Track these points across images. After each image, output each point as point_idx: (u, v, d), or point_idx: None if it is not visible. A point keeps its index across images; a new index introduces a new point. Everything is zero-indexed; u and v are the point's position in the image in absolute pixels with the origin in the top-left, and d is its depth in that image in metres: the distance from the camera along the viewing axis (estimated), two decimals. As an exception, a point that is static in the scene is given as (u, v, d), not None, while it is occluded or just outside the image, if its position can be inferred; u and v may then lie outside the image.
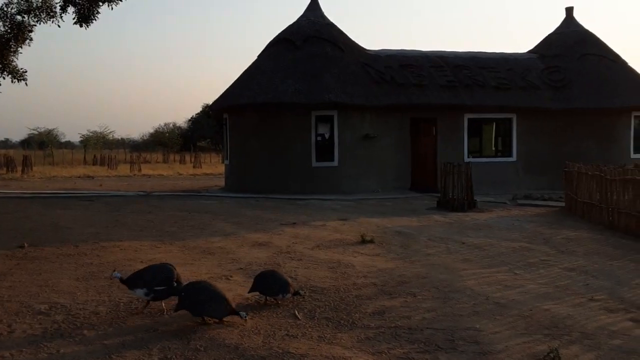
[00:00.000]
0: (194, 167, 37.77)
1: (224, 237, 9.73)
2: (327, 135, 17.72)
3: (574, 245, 9.19)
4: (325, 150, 17.58)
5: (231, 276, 6.89)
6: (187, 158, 45.77)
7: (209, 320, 5.15)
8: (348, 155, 17.57)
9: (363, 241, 9.16)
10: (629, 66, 20.36)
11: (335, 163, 17.56)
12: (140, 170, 32.87)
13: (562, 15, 21.72)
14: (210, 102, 24.02)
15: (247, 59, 53.31)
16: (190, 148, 51.21)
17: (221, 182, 21.20)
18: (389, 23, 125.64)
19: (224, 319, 5.15)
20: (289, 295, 5.73)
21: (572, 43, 20.44)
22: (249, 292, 5.86)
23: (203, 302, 5.06)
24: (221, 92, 19.21)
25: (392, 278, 6.87)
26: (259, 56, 19.41)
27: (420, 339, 4.83)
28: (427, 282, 6.70)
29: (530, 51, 21.44)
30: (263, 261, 7.76)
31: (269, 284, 5.76)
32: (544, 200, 15.65)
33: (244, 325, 5.10)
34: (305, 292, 6.05)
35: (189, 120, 65.87)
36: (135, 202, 15.46)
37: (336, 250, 8.59)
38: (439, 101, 18.12)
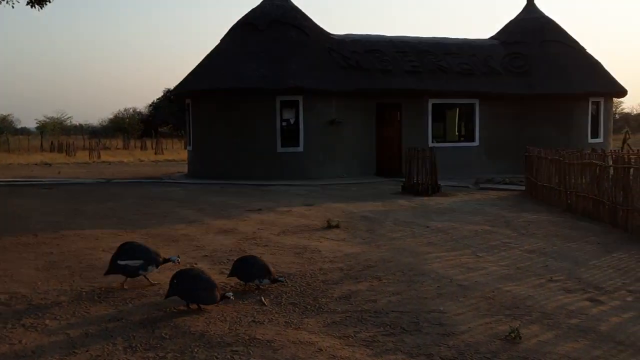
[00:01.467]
0: (155, 153, 37.12)
1: (188, 224, 9.61)
2: (292, 121, 17.63)
3: (534, 228, 9.43)
4: (290, 135, 17.50)
5: (196, 263, 6.82)
6: (149, 144, 44.85)
7: (194, 306, 5.14)
8: (314, 140, 17.53)
9: (329, 226, 9.18)
10: (587, 52, 20.88)
11: (301, 148, 17.51)
12: (99, 156, 32.12)
13: (523, 2, 22.05)
14: (172, 87, 23.54)
15: (210, 42, 52.43)
16: (152, 134, 50.20)
17: (184, 169, 20.90)
18: (353, 8, 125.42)
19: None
20: (267, 281, 5.69)
21: (532, 29, 20.79)
22: (227, 277, 5.89)
23: (197, 289, 5.08)
24: (183, 77, 18.88)
25: (358, 262, 6.92)
26: (221, 40, 19.10)
27: (386, 322, 4.88)
28: (393, 265, 6.77)
29: (492, 37, 21.73)
30: (228, 248, 7.70)
31: (245, 269, 5.73)
32: (506, 184, 15.99)
33: (209, 313, 5.06)
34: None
35: (150, 105, 64.48)
36: (95, 189, 15.11)
37: (302, 236, 8.59)
38: (403, 86, 18.22)
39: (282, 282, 5.87)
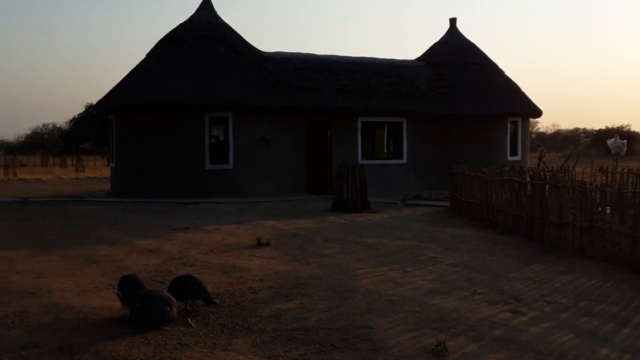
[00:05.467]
0: (76, 170, 35.51)
1: (110, 244, 9.20)
2: (221, 138, 17.40)
3: (459, 242, 9.73)
4: (219, 152, 17.24)
5: (116, 287, 6.50)
6: (69, 161, 42.83)
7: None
8: (243, 157, 17.36)
9: (259, 244, 9.06)
10: (505, 75, 22.00)
11: (230, 166, 17.28)
12: (15, 174, 30.29)
13: (447, 26, 23.01)
14: (95, 102, 22.63)
15: (135, 57, 50.89)
16: (72, 150, 48.00)
17: (107, 187, 20.08)
18: (282, 26, 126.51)
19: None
20: (200, 302, 5.53)
21: (455, 52, 21.71)
22: None
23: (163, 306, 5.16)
24: (106, 92, 18.24)
25: (288, 280, 6.85)
26: (148, 55, 18.62)
27: (316, 340, 4.84)
28: (323, 282, 6.75)
29: (418, 58, 22.48)
30: (153, 268, 7.42)
31: (178, 288, 5.56)
32: (432, 200, 16.46)
33: (132, 336, 4.82)
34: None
35: (71, 121, 61.80)
36: (10, 208, 14.20)
37: (231, 254, 8.43)
38: (333, 105, 18.45)
39: (217, 304, 5.73)
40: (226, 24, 19.16)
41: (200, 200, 15.74)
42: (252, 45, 19.15)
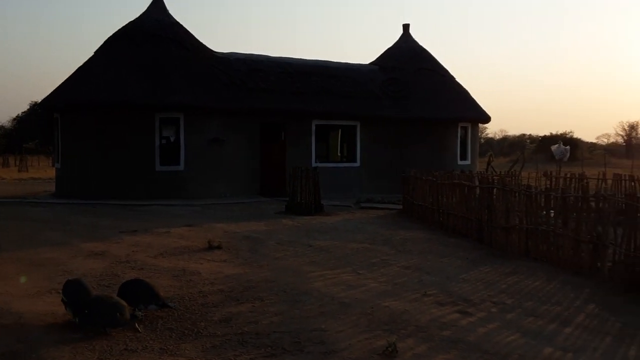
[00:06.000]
0: (19, 171, 34.09)
1: (55, 247, 8.85)
2: (172, 139, 17.06)
3: (410, 245, 9.85)
4: (170, 153, 16.90)
5: (60, 291, 6.25)
6: (12, 161, 41.08)
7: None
8: (195, 159, 17.07)
9: (210, 247, 8.92)
10: (456, 81, 22.54)
11: (181, 167, 16.97)
12: (-47, 174, 28.81)
13: (400, 31, 23.37)
14: (40, 100, 21.77)
15: (83, 54, 49.40)
16: (16, 150, 46.04)
17: (51, 188, 19.34)
18: (236, 27, 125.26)
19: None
20: (153, 306, 5.42)
21: (408, 57, 22.06)
22: None
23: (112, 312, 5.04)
24: (52, 90, 17.59)
25: (239, 284, 6.76)
26: (96, 52, 18.06)
27: (267, 344, 4.79)
28: (275, 286, 6.70)
29: (372, 63, 22.74)
30: (99, 272, 7.18)
31: (128, 293, 5.42)
32: (385, 203, 16.64)
33: (76, 343, 4.64)
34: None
35: (14, 119, 59.32)
36: (-55, 210, 13.48)
37: (181, 258, 8.25)
38: (288, 107, 18.40)
39: (173, 307, 5.61)
40: (178, 22, 18.83)
41: (150, 202, 15.37)
42: (205, 45, 18.88)
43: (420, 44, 22.94)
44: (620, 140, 63.13)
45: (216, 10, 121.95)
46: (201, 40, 18.93)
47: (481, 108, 22.12)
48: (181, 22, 18.89)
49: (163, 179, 16.70)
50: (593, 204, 7.83)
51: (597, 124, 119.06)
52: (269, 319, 5.45)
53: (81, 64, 17.90)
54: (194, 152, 17.05)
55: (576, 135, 55.12)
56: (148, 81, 16.61)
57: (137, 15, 18.75)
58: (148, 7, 18.84)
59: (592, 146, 60.65)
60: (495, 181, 11.13)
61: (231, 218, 12.86)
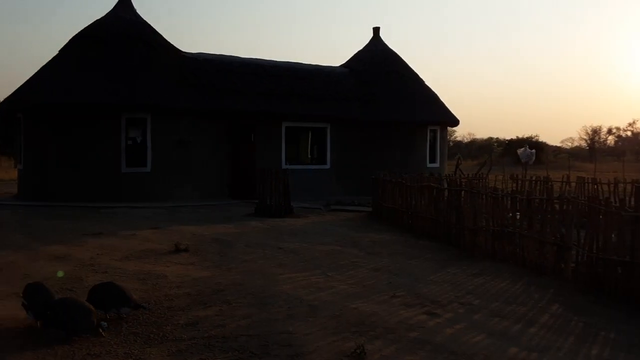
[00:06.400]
0: (-21, 172, 33.03)
1: (15, 250, 8.59)
2: (139, 140, 16.76)
3: (379, 247, 9.89)
4: (137, 155, 16.59)
5: (21, 294, 6.06)
6: (-29, 162, 39.79)
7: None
8: (162, 160, 16.81)
9: (177, 250, 8.78)
10: (426, 85, 22.75)
11: (148, 169, 16.69)
12: None
13: (370, 34, 23.50)
14: (1, 100, 21.16)
15: (47, 53, 48.20)
16: (-25, 151, 44.58)
17: (13, 189, 18.81)
18: (205, 27, 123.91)
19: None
20: (126, 309, 5.32)
21: (379, 61, 22.19)
22: None
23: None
24: (15, 89, 17.11)
25: (207, 287, 6.67)
26: (60, 51, 17.62)
27: (234, 347, 4.72)
28: (243, 289, 6.63)
29: (342, 65, 22.80)
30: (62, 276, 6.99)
31: (98, 296, 5.28)
32: (355, 205, 16.68)
33: (37, 348, 4.50)
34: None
35: (-25, 119, 57.44)
36: None
37: (147, 261, 8.10)
38: (257, 108, 18.28)
39: (146, 308, 5.55)
40: (146, 22, 18.52)
41: (116, 204, 15.05)
42: (173, 45, 18.62)
43: (391, 47, 23.12)
44: (583, 144, 64.81)
45: (187, 11, 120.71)
46: (170, 41, 18.67)
47: (450, 111, 22.39)
48: (150, 22, 18.61)
49: (129, 180, 16.40)
50: (557, 206, 7.99)
51: (561, 129, 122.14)
52: (236, 323, 5.38)
53: (45, 63, 17.47)
54: (162, 154, 16.79)
55: (541, 139, 56.31)
56: (114, 81, 16.29)
57: (104, 14, 18.41)
58: (115, 6, 18.49)
59: (557, 150, 62.08)
60: (463, 184, 11.28)
61: (199, 220, 12.71)
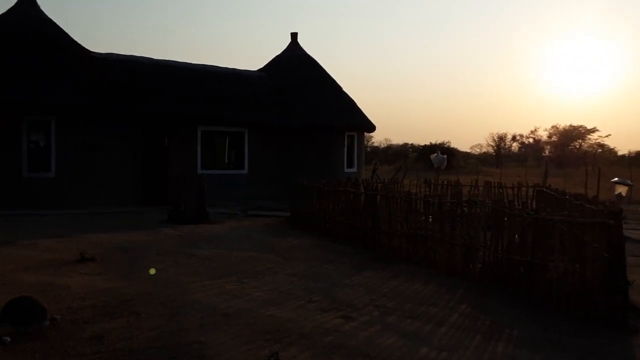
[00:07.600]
0: None
1: None
2: (42, 143, 15.76)
3: (297, 252, 9.85)
4: (40, 159, 15.59)
5: None
6: None
7: None
8: (69, 165, 15.89)
9: (82, 259, 8.29)
10: (343, 91, 23.09)
11: (53, 174, 15.71)
12: None
13: (288, 39, 23.54)
14: None
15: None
16: None
17: None
18: (116, 27, 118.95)
19: None
20: (47, 322, 5.14)
21: (296, 65, 22.27)
22: None
23: None
24: None
25: (114, 298, 6.33)
26: (-44, 48, 16.28)
27: (141, 361, 4.49)
28: (153, 299, 6.34)
29: (260, 70, 22.67)
30: (-51, 290, 6.38)
31: (16, 312, 5.03)
32: (273, 210, 16.57)
33: None
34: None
35: None
36: None
37: (48, 272, 7.58)
38: (172, 112, 17.76)
39: (58, 320, 5.33)
40: (50, 20, 17.51)
41: (15, 211, 14.04)
42: (80, 45, 17.71)
43: (309, 53, 23.28)
44: (490, 150, 68.41)
45: (96, 10, 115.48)
46: (79, 41, 17.76)
47: (367, 117, 22.84)
48: (56, 21, 17.61)
49: (32, 186, 15.37)
50: (466, 209, 8.31)
51: (471, 135, 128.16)
52: (144, 334, 5.13)
53: None
54: (67, 158, 15.88)
55: (453, 145, 58.87)
56: (14, 82, 15.22)
57: (4, 10, 17.22)
58: (17, 3, 17.33)
59: (467, 155, 65.02)
60: (379, 188, 11.48)
61: (108, 228, 12.10)
